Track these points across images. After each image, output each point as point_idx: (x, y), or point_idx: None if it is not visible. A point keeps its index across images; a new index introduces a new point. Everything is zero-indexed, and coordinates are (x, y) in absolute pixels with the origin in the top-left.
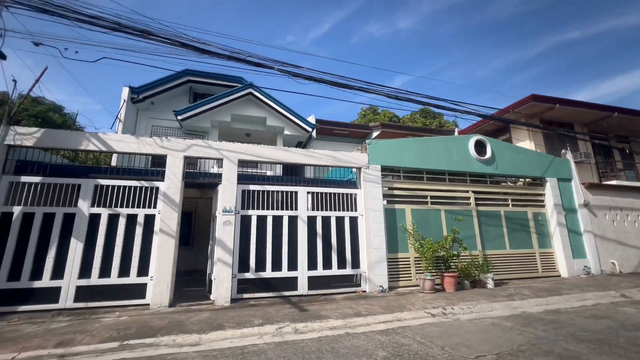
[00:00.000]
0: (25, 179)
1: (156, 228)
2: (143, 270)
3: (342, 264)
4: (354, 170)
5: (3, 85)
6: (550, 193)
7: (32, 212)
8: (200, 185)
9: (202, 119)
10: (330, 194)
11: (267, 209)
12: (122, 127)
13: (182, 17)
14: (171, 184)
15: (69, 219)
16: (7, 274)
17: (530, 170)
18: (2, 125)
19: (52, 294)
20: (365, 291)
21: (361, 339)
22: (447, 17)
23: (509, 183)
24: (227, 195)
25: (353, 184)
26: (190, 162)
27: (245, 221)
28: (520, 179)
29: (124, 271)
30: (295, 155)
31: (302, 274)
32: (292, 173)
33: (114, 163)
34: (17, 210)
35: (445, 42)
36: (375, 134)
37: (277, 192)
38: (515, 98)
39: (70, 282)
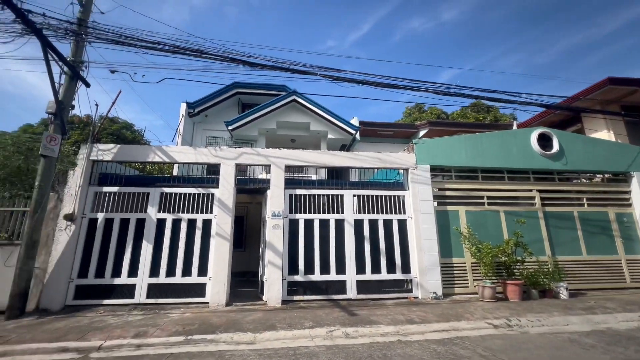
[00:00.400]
0: (106, 189)
1: (213, 232)
2: (202, 270)
3: (391, 269)
4: (401, 171)
5: (87, 108)
6: (637, 190)
7: (111, 217)
8: (250, 191)
9: (250, 128)
10: (376, 196)
11: (314, 212)
12: (181, 139)
13: (229, 34)
14: (225, 190)
15: (140, 224)
16: (95, 271)
17: (610, 164)
18: (87, 144)
19: (129, 290)
20: (417, 297)
21: (415, 347)
22: (498, 1)
23: (583, 180)
24: (275, 199)
25: (400, 185)
26: (240, 169)
27: (293, 225)
28: (598, 175)
29: (186, 271)
30: (339, 159)
31: (351, 277)
32: (337, 176)
33: (175, 173)
34: (100, 216)
35: (497, 29)
36: (422, 132)
37: (323, 195)
38: (584, 84)
39: (143, 280)
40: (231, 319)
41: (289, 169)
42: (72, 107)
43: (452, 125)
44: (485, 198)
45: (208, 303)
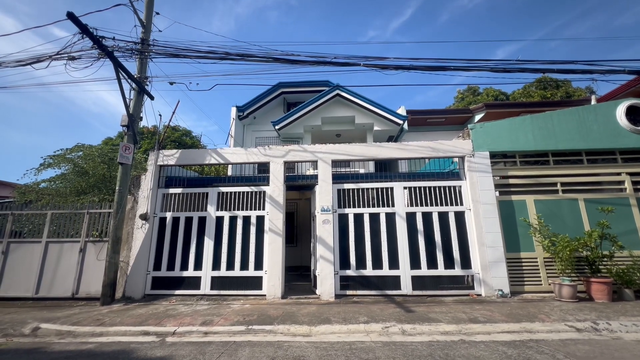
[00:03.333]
0: (172, 190)
1: (266, 227)
2: (258, 265)
3: (449, 264)
4: (455, 160)
5: (152, 119)
6: None
7: (177, 216)
8: (299, 187)
9: (296, 126)
10: (429, 187)
11: (363, 206)
12: (233, 141)
13: (272, 36)
14: (275, 188)
15: (202, 221)
16: (167, 265)
17: None
18: (154, 151)
19: (195, 282)
20: (479, 295)
21: (480, 348)
22: None
23: None
24: (323, 195)
25: (455, 175)
26: (289, 166)
27: (342, 219)
28: None
29: (244, 265)
30: (387, 150)
31: (405, 273)
32: (385, 169)
33: (229, 173)
34: (168, 215)
35: None
36: (478, 117)
37: (372, 189)
38: None
39: (207, 273)
40: (287, 311)
41: (335, 163)
42: (141, 118)
43: (513, 106)
44: (558, 185)
45: (265, 295)
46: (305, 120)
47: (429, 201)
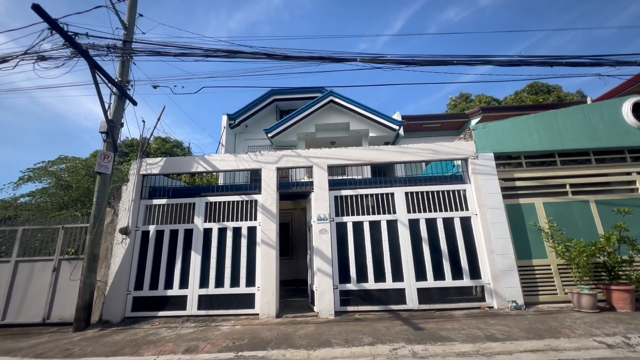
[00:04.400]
0: (155, 201)
1: (258, 239)
2: (250, 280)
3: (457, 274)
4: (458, 163)
5: (135, 126)
6: None
7: (162, 229)
8: (293, 196)
9: (289, 134)
10: (432, 192)
11: (363, 214)
12: (224, 150)
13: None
14: (267, 196)
15: (188, 234)
16: (149, 283)
17: None
18: (137, 159)
19: (181, 302)
20: (492, 307)
21: None
22: None
23: None
24: (319, 202)
25: (459, 178)
26: (282, 174)
27: (341, 228)
28: None
29: (234, 281)
30: (386, 154)
31: (410, 285)
32: (382, 175)
33: (221, 182)
34: (152, 228)
35: (547, 4)
36: (474, 121)
37: (371, 195)
38: None
39: (193, 291)
40: (282, 332)
41: (332, 170)
42: (122, 124)
43: (508, 109)
44: (567, 186)
45: (258, 314)
46: (299, 127)
47: (432, 207)
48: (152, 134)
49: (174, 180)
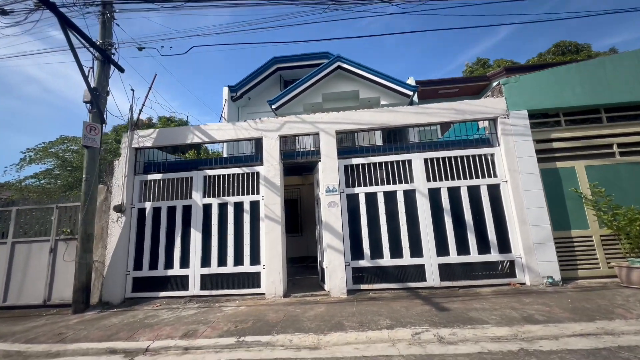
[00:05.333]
0: (150, 177)
1: (262, 214)
2: (255, 258)
3: (484, 248)
4: (483, 125)
5: (124, 94)
6: None
7: (158, 206)
8: (299, 169)
9: (295, 105)
10: (455, 158)
11: (376, 184)
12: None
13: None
14: (270, 167)
15: (187, 211)
16: (149, 263)
17: None
18: (128, 132)
19: (183, 282)
20: (523, 283)
21: None
22: None
23: None
24: (328, 172)
25: (485, 141)
26: (286, 144)
27: (352, 201)
28: None
29: (238, 260)
30: (402, 116)
31: (430, 261)
32: (395, 141)
33: (225, 155)
34: (148, 205)
35: None
36: (495, 84)
37: (386, 163)
38: None
39: (195, 270)
40: (289, 314)
41: (341, 136)
42: (107, 93)
43: (535, 69)
44: (615, 147)
45: (264, 294)
46: (305, 97)
47: (455, 174)
48: (143, 104)
49: (170, 155)
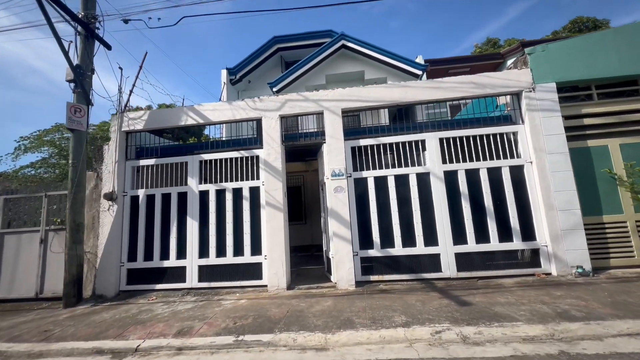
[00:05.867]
0: (143, 162)
1: (262, 201)
2: (256, 248)
3: (505, 236)
4: (502, 102)
5: (112, 74)
6: None
7: (152, 193)
8: (304, 153)
9: (297, 87)
10: (473, 137)
11: (387, 167)
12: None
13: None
14: (270, 150)
15: (182, 198)
16: (143, 254)
17: None
18: (117, 114)
19: (180, 274)
20: (549, 274)
21: None
22: None
23: None
24: (333, 155)
25: (507, 119)
26: (288, 125)
27: (360, 185)
28: None
29: (238, 250)
30: (414, 91)
31: (446, 250)
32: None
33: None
34: (141, 192)
35: None
36: (510, 62)
37: (397, 144)
38: None
39: (192, 261)
40: (293, 309)
41: (347, 115)
42: (92, 71)
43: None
44: None
45: (266, 286)
46: (307, 79)
47: (474, 155)
48: (134, 84)
49: (161, 138)
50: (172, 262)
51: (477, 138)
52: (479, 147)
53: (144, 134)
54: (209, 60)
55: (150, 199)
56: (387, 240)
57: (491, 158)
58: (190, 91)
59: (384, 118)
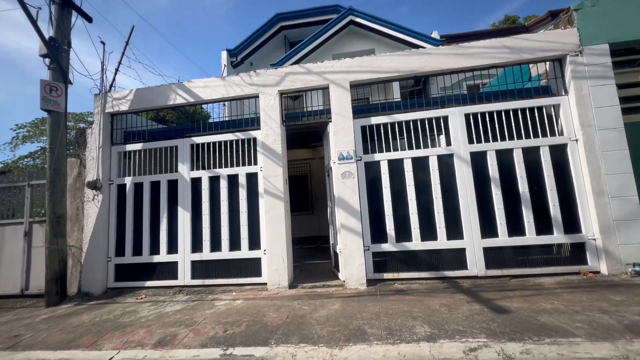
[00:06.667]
0: (129, 147)
1: (260, 189)
2: (254, 242)
3: (544, 227)
4: (537, 72)
5: (93, 49)
6: None
7: (140, 181)
8: (307, 136)
9: None
10: (505, 112)
11: (402, 148)
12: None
13: None
14: (269, 131)
15: (173, 186)
16: (132, 248)
17: None
18: (100, 94)
19: (171, 270)
20: (597, 272)
21: None
22: None
23: None
24: (341, 135)
25: (545, 90)
26: (291, 109)
27: (372, 170)
28: None
29: (234, 244)
30: (435, 59)
31: (473, 244)
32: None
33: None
34: (128, 180)
35: None
36: (563, 13)
37: (415, 121)
38: None
39: (184, 256)
40: (295, 313)
41: (356, 90)
42: (69, 45)
43: None
44: None
45: (266, 284)
46: (312, 60)
47: (506, 133)
48: (120, 62)
49: (149, 121)
50: (163, 257)
51: (510, 113)
52: (512, 124)
53: (132, 117)
54: (209, 41)
55: (138, 187)
56: (403, 232)
57: (527, 136)
58: (189, 75)
59: (397, 96)
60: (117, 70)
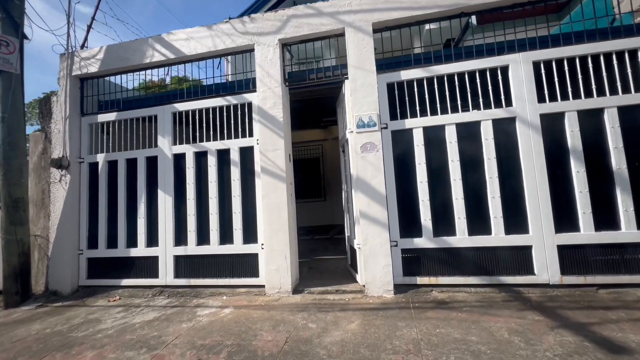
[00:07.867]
0: (102, 117)
1: (257, 167)
2: (250, 234)
3: None
4: (634, 6)
5: (59, 5)
6: None
7: (114, 159)
8: (317, 108)
9: None
10: (590, 58)
11: (443, 112)
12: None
13: None
14: (267, 92)
15: (152, 165)
16: (106, 239)
17: None
18: (65, 53)
19: (151, 266)
20: None
21: None
22: None
23: None
24: (360, 95)
25: None
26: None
27: (401, 141)
28: None
29: (225, 236)
30: None
31: (542, 240)
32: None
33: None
34: (100, 158)
35: None
36: None
37: (461, 75)
38: None
39: (166, 250)
40: (297, 336)
41: (380, 35)
42: None
43: None
44: None
45: (264, 287)
46: None
47: (593, 87)
48: (93, 18)
49: (125, 86)
50: (141, 250)
51: (599, 59)
52: (602, 76)
53: (108, 83)
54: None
55: (112, 166)
56: (443, 223)
57: (625, 91)
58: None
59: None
60: (89, 26)
